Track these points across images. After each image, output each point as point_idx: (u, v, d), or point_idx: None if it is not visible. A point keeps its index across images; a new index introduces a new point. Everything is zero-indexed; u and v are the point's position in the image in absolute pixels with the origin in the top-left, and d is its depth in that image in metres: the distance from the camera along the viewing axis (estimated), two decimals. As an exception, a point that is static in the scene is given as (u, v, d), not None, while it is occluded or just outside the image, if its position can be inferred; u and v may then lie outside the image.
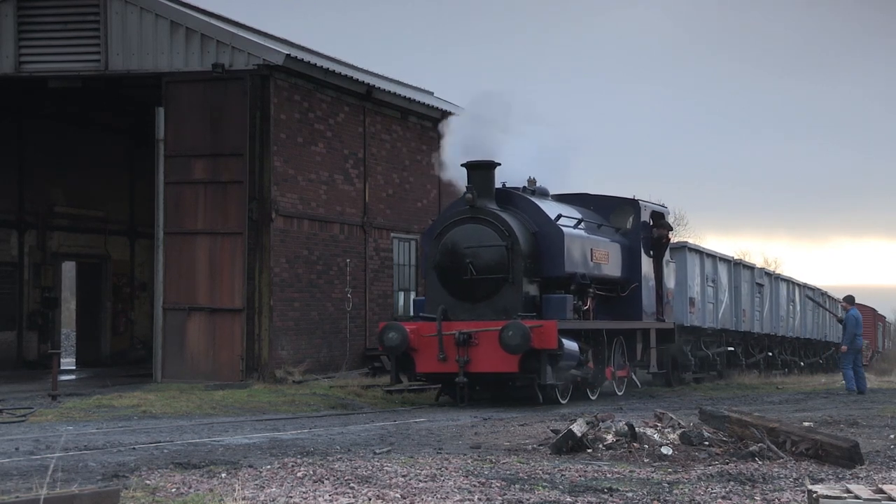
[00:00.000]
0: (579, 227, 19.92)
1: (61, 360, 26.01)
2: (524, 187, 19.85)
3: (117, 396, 17.81)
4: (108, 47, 21.29)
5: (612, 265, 20.84)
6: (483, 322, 18.03)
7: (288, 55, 20.78)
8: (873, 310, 52.51)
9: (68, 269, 32.56)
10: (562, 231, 18.97)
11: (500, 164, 19.02)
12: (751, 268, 32.46)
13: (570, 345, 18.07)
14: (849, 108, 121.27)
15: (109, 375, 24.54)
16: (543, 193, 20.39)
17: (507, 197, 19.25)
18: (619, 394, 20.90)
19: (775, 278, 34.97)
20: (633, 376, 22.12)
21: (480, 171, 18.77)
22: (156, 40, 21.08)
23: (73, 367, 28.90)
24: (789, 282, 37.03)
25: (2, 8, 21.72)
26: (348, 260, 23.22)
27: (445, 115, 24.26)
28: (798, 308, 37.36)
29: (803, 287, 38.66)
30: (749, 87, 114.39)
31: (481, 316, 18.27)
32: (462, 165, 18.95)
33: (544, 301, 18.64)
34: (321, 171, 22.50)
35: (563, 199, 21.09)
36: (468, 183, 18.69)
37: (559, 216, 19.23)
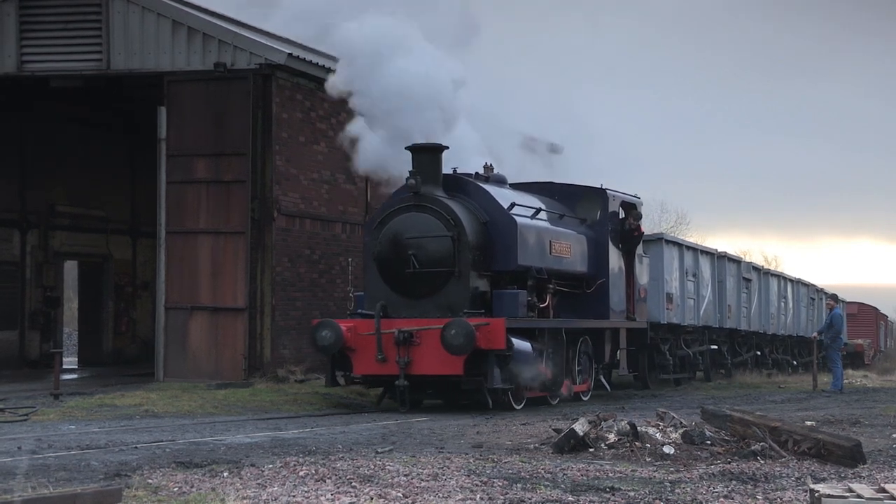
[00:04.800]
0: (538, 216, 18.39)
1: (63, 360, 26.02)
2: (476, 173, 18.31)
3: (119, 395, 17.82)
4: (109, 47, 21.29)
5: (575, 259, 19.27)
6: (425, 320, 16.57)
7: (290, 54, 20.79)
8: (875, 309, 52.33)
9: (70, 268, 32.57)
10: (514, 220, 17.45)
11: (447, 148, 17.58)
12: (737, 261, 30.61)
13: (522, 345, 16.61)
14: (854, 108, 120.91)
15: (111, 374, 24.58)
16: (500, 181, 18.81)
17: (457, 184, 17.69)
18: (585, 399, 19.41)
19: (764, 273, 33.30)
20: (603, 379, 20.48)
21: (425, 154, 17.25)
22: (158, 39, 21.09)
23: (76, 367, 28.92)
24: (780, 277, 35.31)
25: (3, 7, 21.73)
26: (350, 259, 23.21)
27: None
28: (791, 304, 35.71)
29: (796, 283, 37.02)
30: (749, 89, 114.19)
31: (425, 313, 16.76)
32: (406, 149, 17.44)
33: (494, 297, 17.10)
34: (323, 171, 22.50)
35: (522, 187, 19.66)
36: (412, 167, 17.13)
37: (513, 205, 17.71)
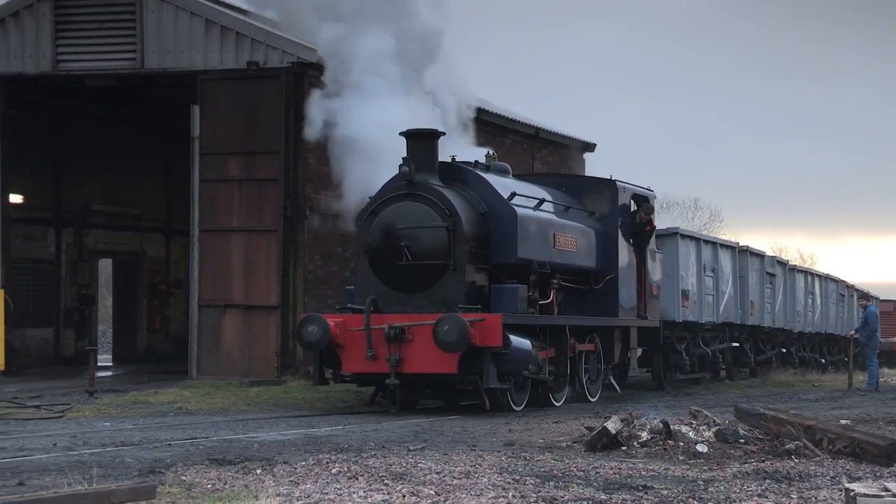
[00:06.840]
0: (541, 208, 17.42)
1: (98, 357, 26.22)
2: (476, 161, 17.31)
3: (153, 393, 17.94)
4: (143, 46, 21.43)
5: (581, 253, 18.24)
6: (418, 315, 15.64)
7: (322, 52, 20.83)
8: (909, 307, 51.75)
9: (105, 266, 32.80)
10: (514, 211, 16.43)
11: (444, 134, 16.88)
12: (760, 256, 29.22)
13: (521, 343, 15.65)
14: (857, 109, 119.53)
15: (145, 372, 24.74)
16: (502, 170, 17.82)
17: (454, 172, 16.72)
18: (593, 399, 18.46)
19: (790, 268, 32.01)
20: (612, 380, 19.53)
21: (421, 141, 16.29)
22: (191, 38, 21.21)
23: (110, 364, 29.13)
24: (807, 272, 34.14)
25: (39, 7, 21.92)
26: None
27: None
28: (819, 301, 34.34)
29: (825, 278, 35.58)
30: (754, 90, 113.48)
31: (418, 308, 15.83)
32: (401, 134, 16.47)
33: (493, 292, 16.11)
34: (355, 169, 22.51)
35: (527, 178, 18.94)
36: (406, 154, 16.18)
37: (513, 194, 16.63)
